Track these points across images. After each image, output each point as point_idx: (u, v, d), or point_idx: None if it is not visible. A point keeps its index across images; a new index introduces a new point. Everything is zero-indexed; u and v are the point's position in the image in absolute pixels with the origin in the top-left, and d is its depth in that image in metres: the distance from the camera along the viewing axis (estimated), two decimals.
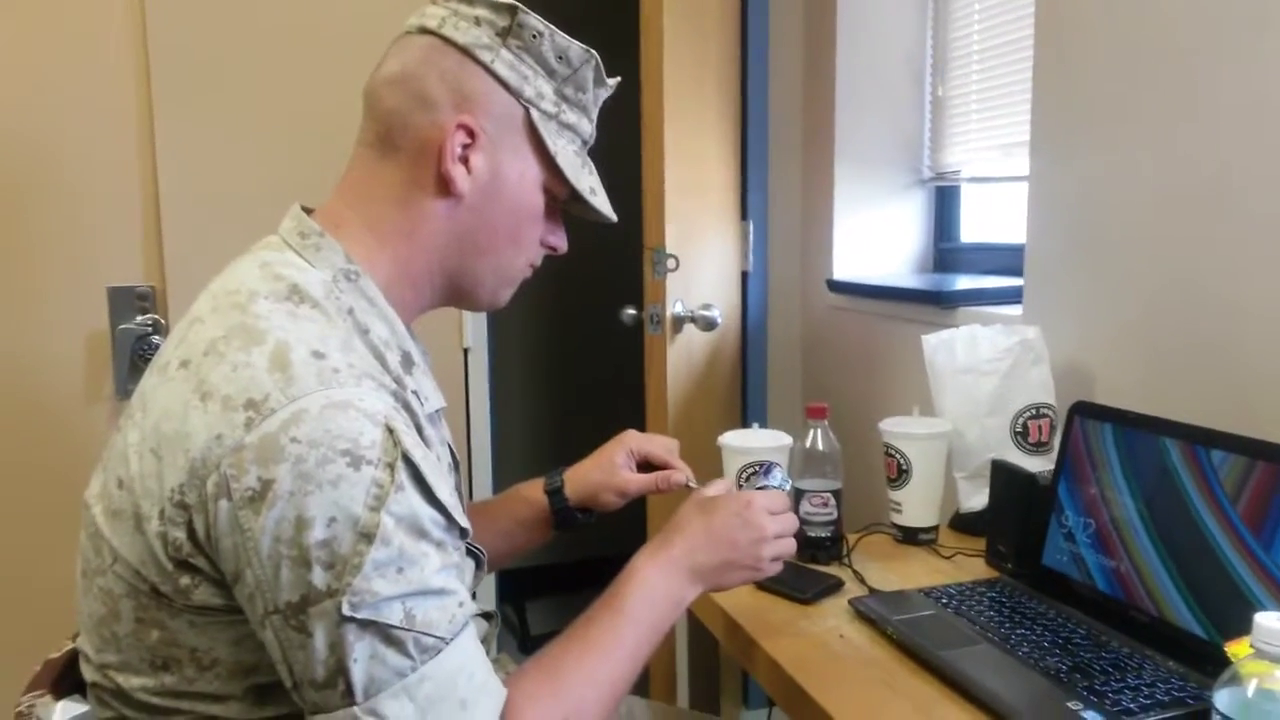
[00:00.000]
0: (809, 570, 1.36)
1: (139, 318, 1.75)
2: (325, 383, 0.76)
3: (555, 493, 1.22)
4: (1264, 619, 0.67)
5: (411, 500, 0.75)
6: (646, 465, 1.24)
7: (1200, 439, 1.08)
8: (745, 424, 2.22)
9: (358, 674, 0.72)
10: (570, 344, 3.28)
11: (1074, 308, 1.58)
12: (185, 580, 0.77)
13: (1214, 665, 0.73)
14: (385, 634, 0.73)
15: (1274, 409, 1.25)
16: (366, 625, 0.72)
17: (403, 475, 0.75)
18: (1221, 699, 0.68)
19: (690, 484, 1.19)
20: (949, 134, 2.20)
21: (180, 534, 0.76)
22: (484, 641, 1.04)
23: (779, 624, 1.20)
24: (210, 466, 0.74)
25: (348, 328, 0.84)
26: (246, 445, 0.73)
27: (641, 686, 2.24)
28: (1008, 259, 1.92)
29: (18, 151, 1.68)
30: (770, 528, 1.02)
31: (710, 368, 2.21)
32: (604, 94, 0.99)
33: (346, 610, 0.72)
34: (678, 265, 2.06)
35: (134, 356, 1.74)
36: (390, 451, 0.75)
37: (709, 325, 2.12)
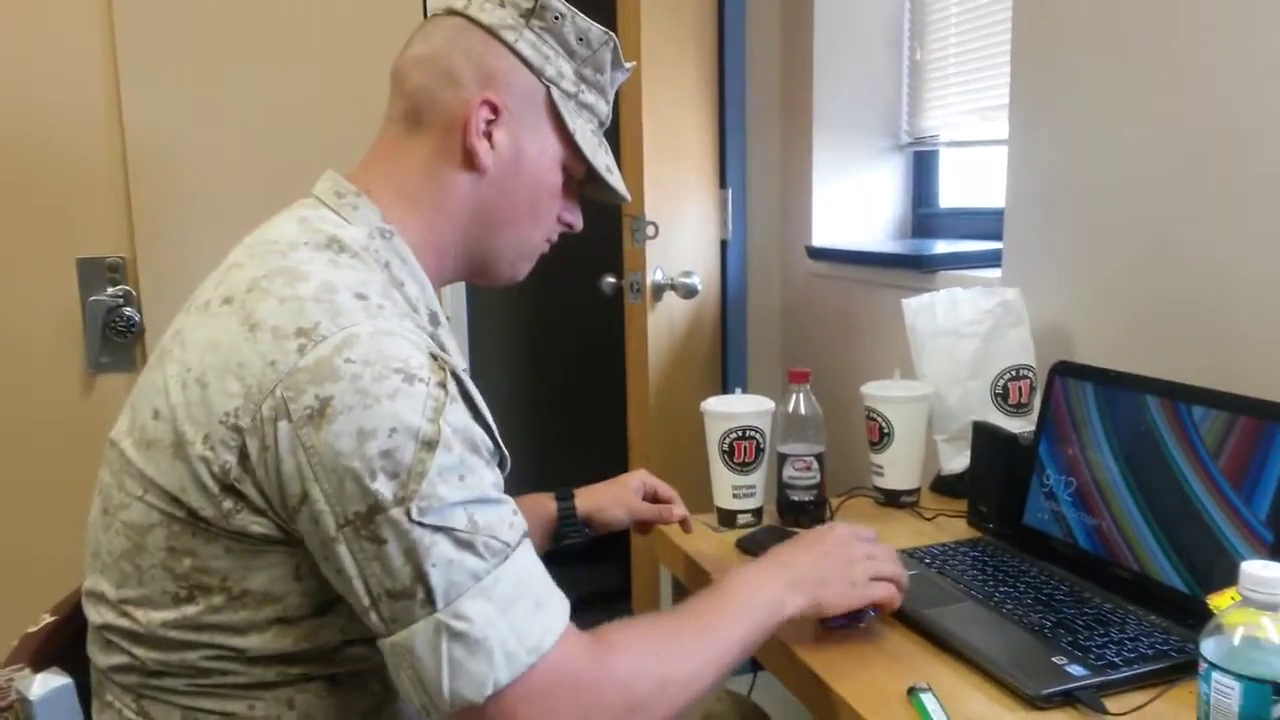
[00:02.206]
0: (793, 533, 1.35)
1: (110, 289, 1.72)
2: (371, 315, 0.79)
3: (565, 500, 1.27)
4: (1251, 566, 0.67)
5: (463, 414, 0.79)
6: (654, 499, 1.30)
7: (1181, 395, 1.09)
8: (726, 390, 2.22)
9: (437, 579, 0.74)
10: (550, 313, 3.27)
11: (1054, 269, 1.58)
12: (228, 504, 0.78)
13: (1196, 618, 0.74)
14: (455, 538, 0.75)
15: (1255, 365, 1.26)
16: (436, 530, 0.75)
17: (454, 389, 0.79)
18: (1208, 648, 0.69)
19: (687, 523, 1.28)
20: (927, 98, 2.19)
21: (230, 457, 0.77)
22: None
23: None
24: (265, 391, 0.76)
25: (385, 279, 0.87)
26: (301, 368, 0.76)
27: None
28: (987, 223, 1.92)
29: None
30: (857, 549, 1.03)
31: (691, 335, 2.20)
32: (621, 77, 1.02)
33: (416, 515, 0.74)
34: (657, 233, 2.05)
35: (105, 328, 1.72)
36: (439, 371, 0.78)
37: (689, 293, 2.11)
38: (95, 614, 0.87)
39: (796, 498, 1.40)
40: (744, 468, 1.40)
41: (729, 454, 1.40)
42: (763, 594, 0.95)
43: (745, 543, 1.32)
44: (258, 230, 0.91)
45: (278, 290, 0.80)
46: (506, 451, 0.87)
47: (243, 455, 0.77)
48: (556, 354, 3.31)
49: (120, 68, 1.68)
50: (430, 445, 0.75)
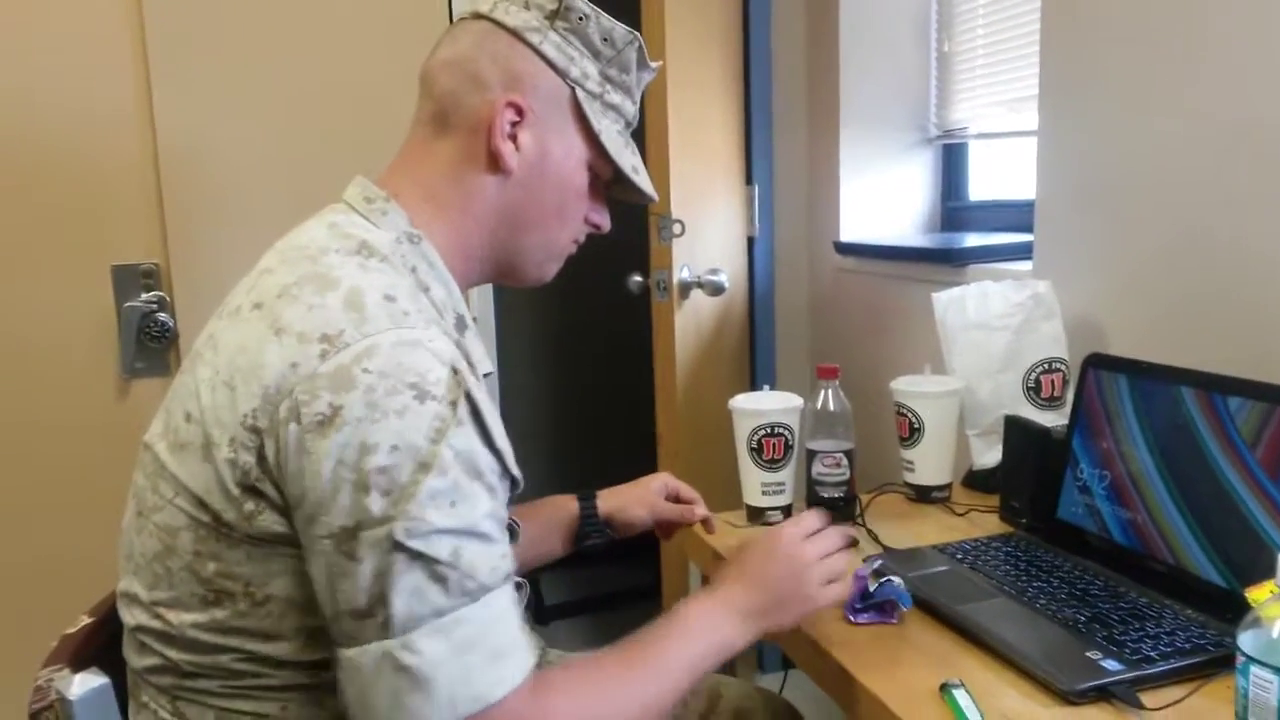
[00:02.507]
0: None
1: (144, 295, 1.74)
2: (397, 323, 0.79)
3: (587, 500, 1.27)
4: None
5: (470, 437, 0.78)
6: (675, 502, 1.29)
7: (1217, 386, 1.07)
8: (755, 387, 2.21)
9: (399, 606, 0.74)
10: (577, 313, 3.27)
11: (1085, 261, 1.56)
12: (250, 505, 0.79)
13: (1233, 612, 0.72)
14: (431, 569, 0.75)
15: None
16: (416, 557, 0.74)
17: (464, 411, 0.78)
18: (1246, 641, 0.68)
19: (710, 523, 1.28)
20: (955, 91, 2.17)
21: (250, 458, 0.78)
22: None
23: None
24: (284, 393, 0.77)
25: (412, 283, 0.88)
26: (320, 374, 0.76)
27: None
28: (1017, 215, 1.90)
29: (18, 133, 1.67)
30: (808, 553, 0.99)
31: (718, 332, 2.20)
32: (647, 76, 1.01)
33: (399, 536, 0.74)
34: (683, 231, 2.04)
35: (139, 334, 1.74)
36: (454, 390, 0.78)
37: (716, 290, 2.11)
38: (129, 615, 0.88)
39: (826, 494, 1.39)
40: (773, 465, 1.39)
41: (758, 451, 1.39)
42: (714, 634, 0.93)
43: None
44: (289, 235, 0.92)
45: (307, 297, 0.81)
46: (519, 474, 0.86)
47: (260, 455, 0.78)
48: (584, 353, 3.31)
49: (151, 72, 1.70)
50: (426, 466, 0.75)
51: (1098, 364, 1.24)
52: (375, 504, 0.74)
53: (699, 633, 0.93)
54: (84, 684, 0.84)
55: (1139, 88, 1.44)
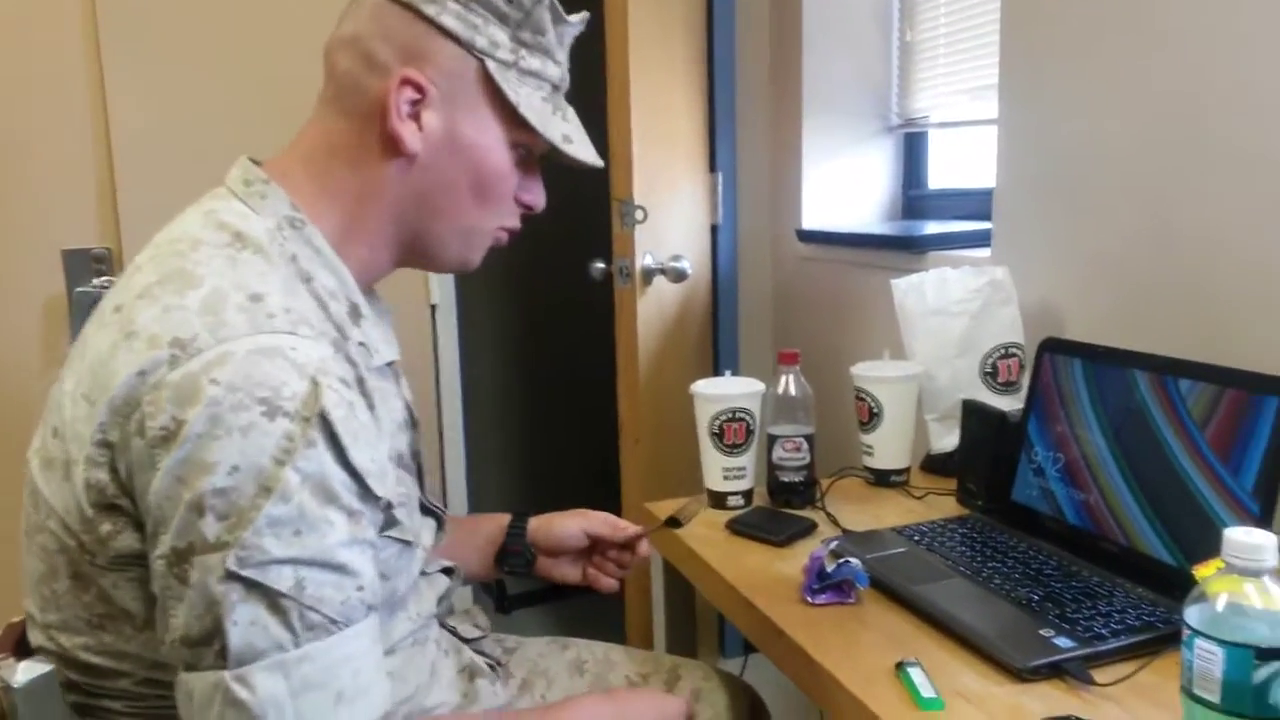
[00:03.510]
0: (783, 514, 1.36)
1: (96, 280, 1.71)
2: (257, 327, 0.74)
3: (519, 518, 1.20)
4: (1234, 533, 0.67)
5: (322, 460, 0.72)
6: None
7: (1169, 369, 1.09)
8: (717, 373, 2.21)
9: (234, 638, 0.69)
10: (539, 298, 3.26)
11: (1043, 248, 1.58)
12: (106, 527, 0.75)
13: (1182, 590, 0.74)
14: (271, 601, 0.70)
15: (1242, 339, 1.26)
16: (252, 587, 0.69)
17: (315, 432, 0.72)
18: (1192, 615, 0.69)
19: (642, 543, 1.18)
20: (917, 79, 2.18)
21: (103, 475, 0.74)
22: (444, 596, 1.04)
23: (754, 567, 1.20)
24: (132, 404, 0.72)
25: (290, 273, 0.82)
26: (167, 383, 0.71)
27: (619, 635, 2.25)
28: (976, 204, 1.92)
29: None
30: None
31: (681, 319, 2.20)
32: (569, 31, 0.93)
33: (232, 565, 0.69)
34: (646, 217, 2.04)
35: None
36: (310, 406, 0.72)
37: (679, 277, 2.11)
38: (31, 636, 0.85)
39: (786, 479, 1.40)
40: (734, 449, 1.40)
41: (719, 436, 1.40)
42: None
43: (736, 524, 1.32)
44: (169, 225, 0.86)
45: (166, 298, 0.76)
46: (386, 495, 0.80)
47: (113, 470, 0.74)
48: (546, 340, 3.30)
49: (103, 54, 1.67)
50: (267, 491, 0.69)
51: (1053, 349, 1.25)
52: (210, 528, 0.69)
53: None
54: (28, 672, 0.82)
55: (1097, 77, 1.46)
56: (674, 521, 1.22)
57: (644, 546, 1.17)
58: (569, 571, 1.19)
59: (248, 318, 0.74)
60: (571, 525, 1.18)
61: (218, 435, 0.69)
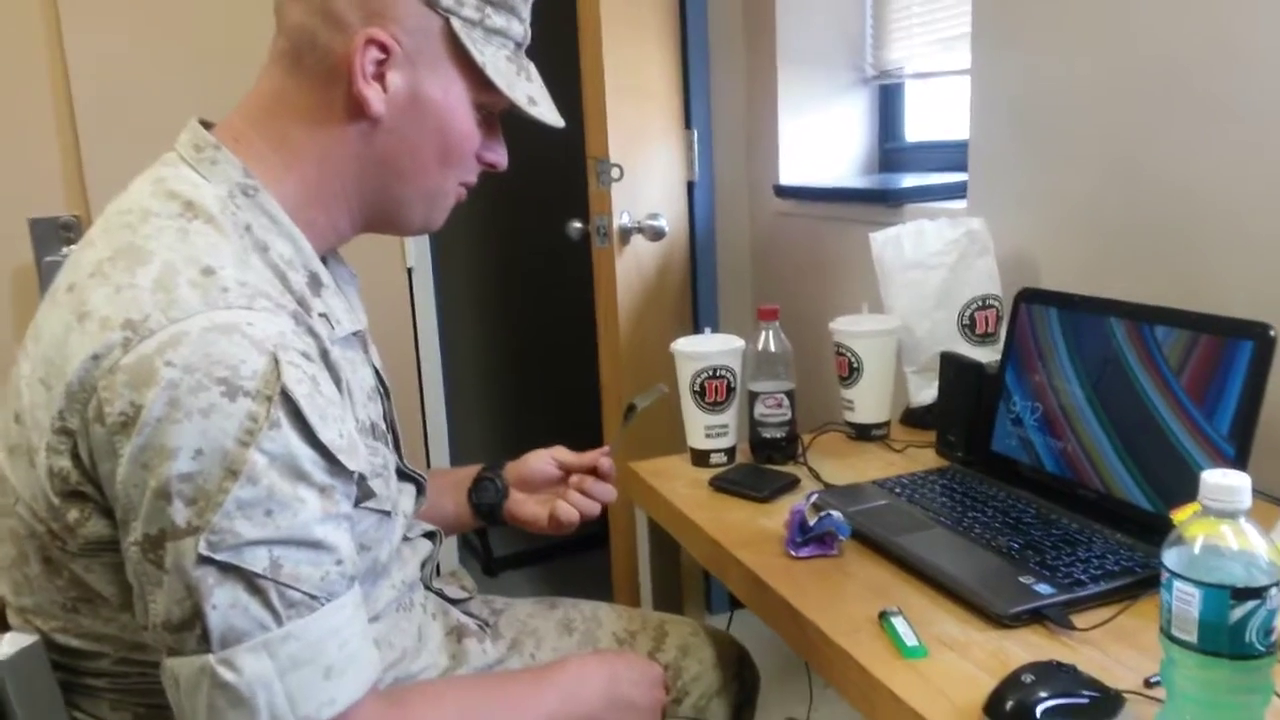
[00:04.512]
0: (766, 470, 1.37)
1: (64, 249, 1.69)
2: (211, 303, 0.72)
3: (491, 467, 1.20)
4: (1211, 475, 0.68)
5: (288, 438, 0.71)
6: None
7: (1144, 316, 1.10)
8: (697, 331, 2.21)
9: (215, 621, 0.69)
10: (516, 259, 3.24)
11: (1018, 198, 1.58)
12: (74, 514, 0.74)
13: (1160, 535, 0.74)
14: (248, 581, 0.69)
15: (1216, 285, 1.27)
16: (227, 570, 0.69)
17: (279, 411, 0.70)
18: (1170, 558, 0.70)
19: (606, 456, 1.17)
20: (891, 30, 2.17)
21: (65, 462, 0.72)
22: (427, 560, 1.04)
23: (737, 523, 1.21)
24: (88, 389, 0.70)
25: (244, 244, 0.80)
26: (121, 367, 0.69)
27: (606, 594, 2.27)
28: (952, 156, 1.92)
29: None
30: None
31: (660, 277, 2.19)
32: None
33: (204, 550, 0.68)
34: (622, 175, 2.03)
35: None
36: (271, 384, 0.70)
37: (657, 235, 2.10)
38: (9, 618, 0.84)
39: (768, 435, 1.40)
40: (715, 407, 1.40)
41: (700, 394, 1.40)
42: (580, 689, 0.94)
43: (719, 481, 1.33)
44: (121, 195, 0.83)
45: (116, 277, 0.73)
46: (360, 468, 0.79)
47: (75, 457, 0.72)
48: (525, 301, 3.29)
49: (63, 22, 1.63)
50: (234, 474, 0.68)
51: (1030, 299, 1.26)
52: (179, 514, 0.68)
53: (568, 685, 0.93)
54: (13, 643, 0.81)
55: (1068, 26, 1.45)
56: (631, 408, 1.20)
57: (605, 463, 1.16)
58: (537, 511, 1.17)
59: (201, 294, 0.72)
60: (540, 455, 1.19)
61: (177, 419, 0.68)
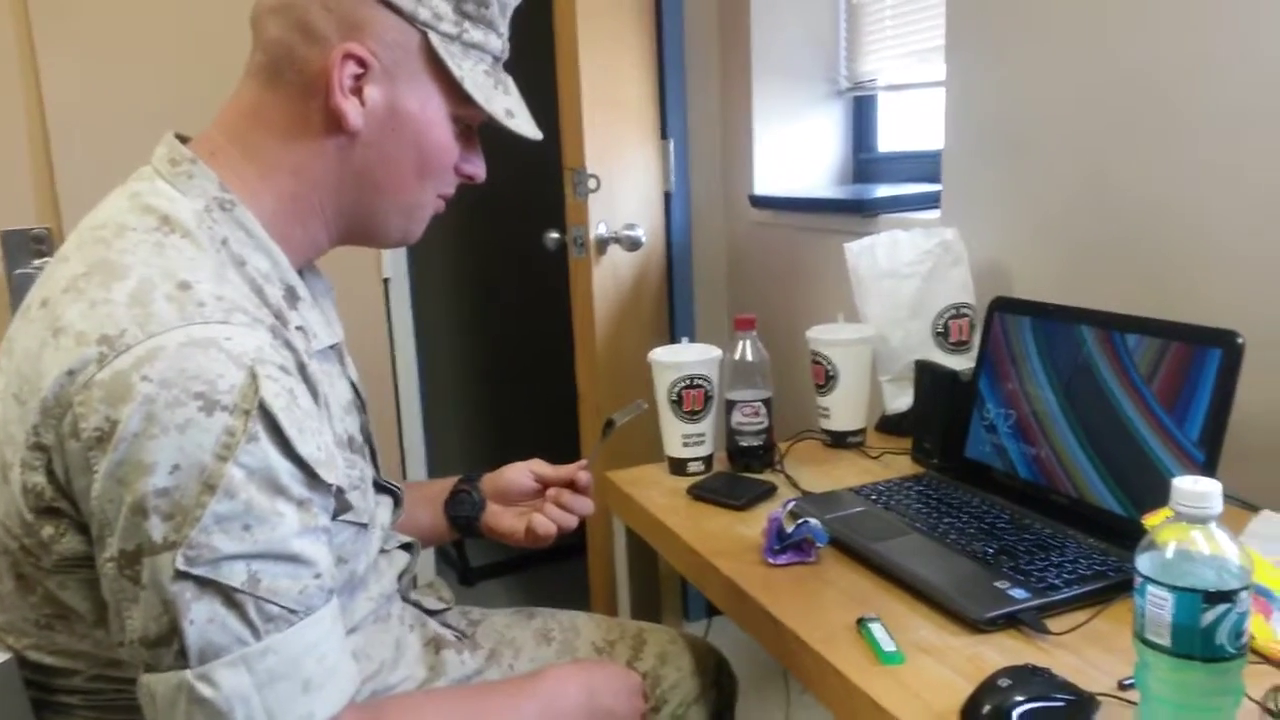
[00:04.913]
0: (743, 478, 1.37)
1: (36, 261, 1.67)
2: (188, 318, 0.72)
3: (468, 479, 1.20)
4: (1182, 482, 0.69)
5: (266, 452, 0.70)
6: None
7: (1115, 324, 1.11)
8: (674, 340, 2.22)
9: (193, 636, 0.68)
10: (493, 270, 3.24)
11: (991, 208, 1.60)
12: (48, 530, 0.73)
13: (1132, 540, 0.76)
14: (226, 596, 0.69)
15: (1186, 294, 1.29)
16: (205, 584, 0.68)
17: (257, 425, 0.70)
18: (1143, 563, 0.71)
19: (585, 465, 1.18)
20: (865, 42, 2.19)
21: (40, 478, 0.72)
22: (404, 572, 1.04)
23: (715, 531, 1.21)
24: (64, 405, 0.70)
25: (221, 258, 0.79)
26: (96, 382, 0.69)
27: (583, 603, 2.26)
28: (926, 166, 1.94)
29: None
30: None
31: (637, 287, 2.20)
32: (511, 2, 0.91)
33: (181, 565, 0.68)
34: (599, 185, 2.03)
35: None
36: (249, 398, 0.70)
37: (633, 245, 2.10)
38: None
39: (746, 443, 1.41)
40: (693, 416, 1.40)
41: (678, 403, 1.40)
42: (565, 700, 0.94)
43: (697, 489, 1.33)
44: (95, 209, 0.83)
45: (92, 291, 0.73)
46: (337, 481, 0.78)
47: (50, 473, 0.72)
48: (502, 311, 3.28)
49: (35, 32, 1.62)
50: (211, 488, 0.68)
51: (1003, 308, 1.27)
52: (156, 529, 0.68)
53: (547, 696, 0.93)
54: None
55: (1043, 40, 1.47)
56: (610, 423, 1.21)
57: (583, 477, 1.16)
58: (514, 524, 1.16)
59: (177, 308, 0.72)
60: (518, 468, 1.19)
61: (154, 434, 0.67)
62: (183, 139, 0.86)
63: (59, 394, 0.70)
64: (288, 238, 0.86)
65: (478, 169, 0.94)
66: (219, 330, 0.72)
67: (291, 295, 0.85)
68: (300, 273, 0.89)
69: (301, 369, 0.79)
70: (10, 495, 0.74)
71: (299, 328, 0.84)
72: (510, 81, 0.92)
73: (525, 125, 0.91)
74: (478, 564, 2.95)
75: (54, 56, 1.63)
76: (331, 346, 0.92)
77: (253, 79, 0.85)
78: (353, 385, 0.97)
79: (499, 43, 0.90)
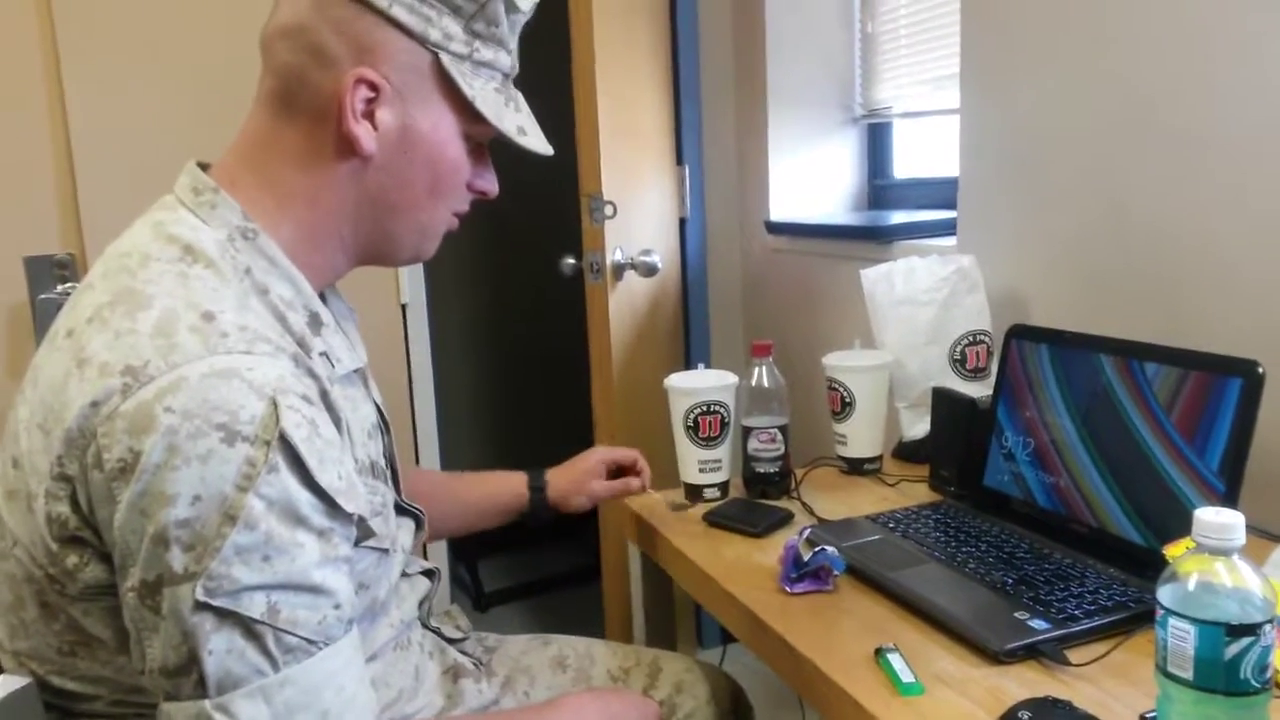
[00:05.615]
0: (759, 505, 1.37)
1: (60, 287, 1.69)
2: (211, 349, 0.72)
3: (538, 490, 1.29)
4: (1204, 513, 0.69)
5: (286, 483, 0.70)
6: (617, 471, 1.34)
7: (1134, 353, 1.11)
8: (690, 366, 2.22)
9: (211, 667, 0.69)
10: (509, 295, 3.25)
11: (1007, 235, 1.60)
12: (73, 559, 0.74)
13: (1153, 570, 0.75)
14: (246, 627, 0.69)
15: (1203, 322, 1.28)
16: (225, 615, 0.69)
17: (277, 456, 0.70)
18: (1165, 595, 0.70)
19: (647, 488, 1.34)
20: (880, 70, 2.20)
21: (64, 508, 0.72)
22: (424, 600, 1.04)
23: (732, 558, 1.21)
24: (88, 436, 0.70)
25: (244, 288, 0.80)
26: (120, 413, 0.69)
27: (597, 628, 2.25)
28: (941, 192, 1.94)
29: None
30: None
31: (652, 313, 2.20)
32: (520, 19, 0.90)
33: (201, 596, 0.68)
34: (615, 212, 2.04)
35: None
36: (270, 428, 0.70)
37: (649, 271, 2.11)
38: (3, 661, 0.84)
39: (762, 470, 1.41)
40: (709, 442, 1.40)
41: (694, 429, 1.40)
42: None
43: (713, 516, 1.33)
44: (120, 237, 0.84)
45: (116, 322, 0.74)
46: (358, 510, 0.78)
47: (74, 503, 0.72)
48: (519, 337, 3.30)
49: (61, 55, 1.64)
50: (232, 519, 0.68)
51: (1020, 335, 1.27)
52: (176, 560, 0.68)
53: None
54: (6, 686, 0.81)
55: (1057, 66, 1.48)
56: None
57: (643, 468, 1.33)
58: (583, 501, 1.31)
59: (200, 339, 0.72)
60: (582, 501, 1.31)
61: (176, 465, 0.68)
62: (203, 166, 0.87)
63: (83, 425, 0.71)
64: (308, 264, 0.86)
65: (490, 185, 0.94)
66: (241, 360, 0.72)
67: (315, 321, 0.85)
68: (323, 297, 0.90)
69: (324, 396, 0.79)
70: (35, 525, 0.74)
71: (323, 353, 0.84)
72: (520, 98, 0.93)
73: (536, 142, 0.91)
74: (491, 589, 2.94)
75: (79, 83, 1.66)
76: (355, 370, 0.92)
77: (263, 107, 0.86)
78: (377, 407, 0.98)
79: (508, 60, 0.90)
